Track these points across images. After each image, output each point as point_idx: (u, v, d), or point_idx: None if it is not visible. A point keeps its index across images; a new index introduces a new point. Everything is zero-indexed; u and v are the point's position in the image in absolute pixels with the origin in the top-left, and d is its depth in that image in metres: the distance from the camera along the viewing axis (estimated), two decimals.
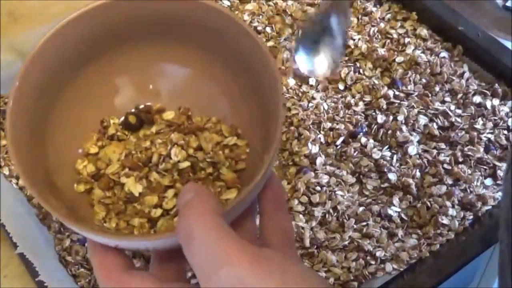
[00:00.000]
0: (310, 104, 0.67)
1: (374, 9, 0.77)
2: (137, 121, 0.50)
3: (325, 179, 0.61)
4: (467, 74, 0.70)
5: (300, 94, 0.68)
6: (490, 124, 0.66)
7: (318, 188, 0.61)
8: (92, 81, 0.49)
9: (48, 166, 0.45)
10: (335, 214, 0.59)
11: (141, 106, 0.51)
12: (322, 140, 0.65)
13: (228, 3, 0.77)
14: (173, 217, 0.45)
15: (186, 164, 0.46)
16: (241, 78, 0.48)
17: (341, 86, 0.69)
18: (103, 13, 0.46)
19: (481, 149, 0.64)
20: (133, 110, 0.50)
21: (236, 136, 0.48)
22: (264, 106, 0.45)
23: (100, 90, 0.50)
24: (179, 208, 0.34)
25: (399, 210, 0.60)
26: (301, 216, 0.59)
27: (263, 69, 0.44)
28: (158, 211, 0.45)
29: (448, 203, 0.59)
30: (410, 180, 0.61)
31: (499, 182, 0.62)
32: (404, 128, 0.65)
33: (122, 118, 0.50)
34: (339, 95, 0.69)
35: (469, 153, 0.63)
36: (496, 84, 0.69)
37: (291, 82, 0.69)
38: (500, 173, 0.62)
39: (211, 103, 0.50)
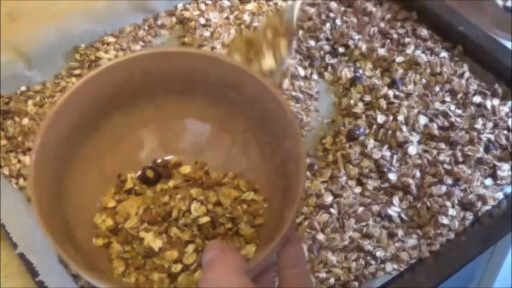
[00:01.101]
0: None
1: (374, 9, 0.77)
2: (154, 175, 0.50)
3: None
4: (467, 74, 0.70)
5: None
6: (490, 124, 0.66)
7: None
8: (110, 136, 0.50)
9: (67, 220, 0.45)
10: (336, 215, 0.59)
11: (159, 161, 0.51)
12: None
13: (228, 3, 0.77)
14: (193, 273, 0.45)
15: (206, 219, 0.47)
16: (261, 136, 0.49)
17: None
18: (125, 68, 0.47)
19: (481, 149, 0.64)
20: (150, 165, 0.51)
21: (254, 192, 0.49)
22: (284, 165, 0.46)
23: (119, 144, 0.50)
24: (204, 264, 0.36)
25: (399, 210, 0.60)
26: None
27: (285, 131, 0.45)
28: (179, 266, 0.45)
29: (448, 203, 0.59)
30: (410, 180, 0.60)
31: (499, 182, 0.62)
32: (404, 128, 0.64)
33: (139, 172, 0.51)
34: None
35: (469, 153, 0.63)
36: (496, 84, 0.69)
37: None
38: (500, 173, 0.62)
39: (228, 159, 0.51)
